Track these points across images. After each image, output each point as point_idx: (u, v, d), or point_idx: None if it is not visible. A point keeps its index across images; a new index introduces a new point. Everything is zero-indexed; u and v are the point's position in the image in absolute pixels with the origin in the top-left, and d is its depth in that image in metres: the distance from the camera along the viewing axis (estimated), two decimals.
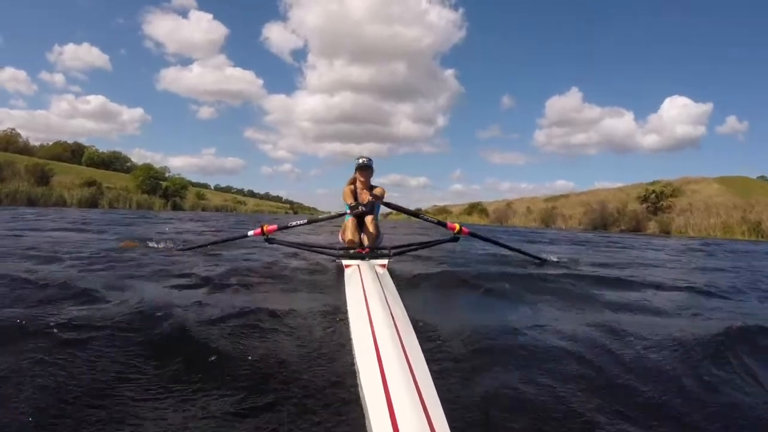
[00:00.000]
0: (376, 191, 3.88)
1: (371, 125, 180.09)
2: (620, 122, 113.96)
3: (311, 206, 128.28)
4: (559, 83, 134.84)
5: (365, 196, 3.76)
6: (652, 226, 27.43)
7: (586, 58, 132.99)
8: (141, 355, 1.62)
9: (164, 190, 46.21)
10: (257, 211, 62.63)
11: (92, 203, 35.04)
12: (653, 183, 54.13)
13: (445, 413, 1.05)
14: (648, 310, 2.82)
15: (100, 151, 71.42)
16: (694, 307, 2.99)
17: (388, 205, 3.88)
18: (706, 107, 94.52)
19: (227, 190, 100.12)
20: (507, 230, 21.62)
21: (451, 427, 1.01)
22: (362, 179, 3.96)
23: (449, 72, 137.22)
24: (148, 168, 46.95)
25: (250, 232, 3.56)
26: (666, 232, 26.16)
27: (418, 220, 4.23)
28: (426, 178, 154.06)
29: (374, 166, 4.06)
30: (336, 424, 1.23)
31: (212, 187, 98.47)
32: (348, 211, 3.67)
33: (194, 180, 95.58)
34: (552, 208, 39.16)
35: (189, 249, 4.72)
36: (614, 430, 1.25)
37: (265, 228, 3.44)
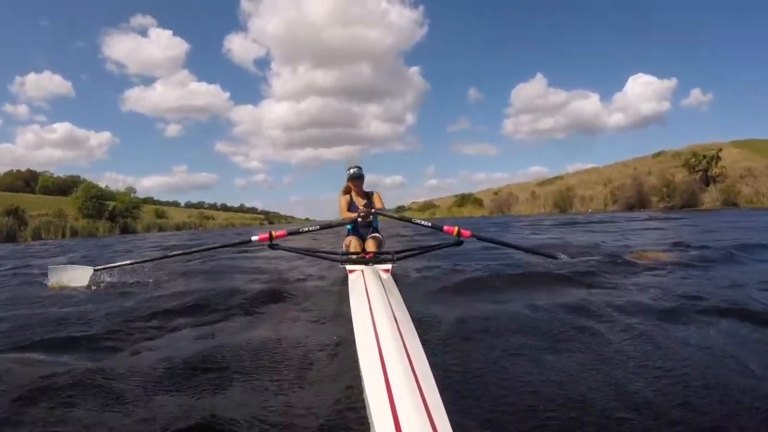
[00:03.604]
0: (374, 198, 4.04)
1: (341, 128, 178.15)
2: (586, 104, 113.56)
3: (288, 215, 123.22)
4: (523, 71, 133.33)
5: (361, 207, 3.94)
6: (710, 198, 21.84)
7: (548, 44, 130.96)
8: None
9: (110, 211, 39.41)
10: (228, 225, 56.39)
11: (9, 237, 28.37)
12: (658, 154, 49.15)
13: (448, 418, 1.03)
14: None
15: (56, 176, 64.87)
16: None
17: (383, 214, 3.97)
18: (670, 83, 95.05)
19: (199, 206, 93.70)
20: (521, 224, 18.63)
21: None
22: (355, 189, 4.02)
23: (414, 70, 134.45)
24: (88, 187, 39.97)
25: (255, 237, 3.41)
26: (733, 203, 20.59)
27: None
28: (401, 177, 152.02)
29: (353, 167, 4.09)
30: (340, 427, 1.25)
31: (182, 204, 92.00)
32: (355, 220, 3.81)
33: (167, 198, 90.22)
34: (567, 190, 33.21)
35: (184, 254, 4.70)
36: None
37: (273, 234, 3.34)
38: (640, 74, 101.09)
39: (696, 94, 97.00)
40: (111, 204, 40.37)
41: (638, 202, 24.18)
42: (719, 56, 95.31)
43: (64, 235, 32.10)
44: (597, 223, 14.91)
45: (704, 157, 25.13)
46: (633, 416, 1.26)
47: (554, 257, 4.04)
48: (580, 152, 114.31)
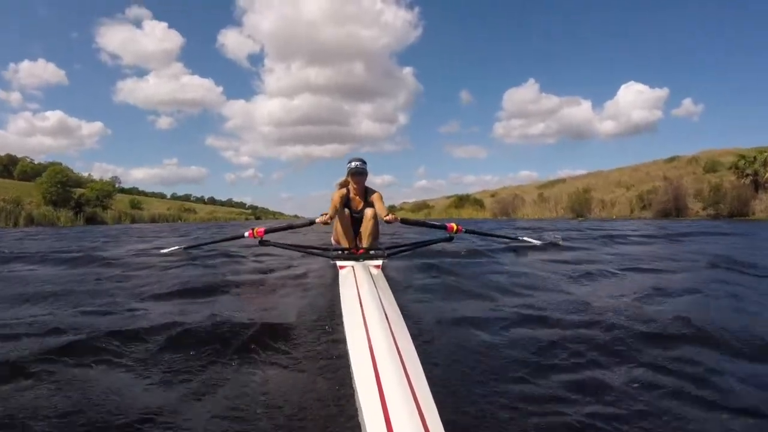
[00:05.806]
0: (374, 197, 3.67)
1: (332, 126, 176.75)
2: (578, 110, 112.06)
3: (277, 211, 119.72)
4: (515, 75, 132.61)
5: (359, 204, 3.73)
6: (763, 207, 18.95)
7: (541, 49, 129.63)
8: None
9: (76, 199, 35.55)
10: (210, 219, 52.70)
11: None
12: (672, 159, 46.56)
13: (439, 413, 1.03)
14: None
15: (36, 162, 60.79)
16: None
17: (405, 221, 3.78)
18: (662, 92, 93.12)
19: (185, 198, 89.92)
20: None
21: (445, 428, 0.98)
22: (355, 186, 3.69)
23: (407, 70, 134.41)
24: (54, 172, 36.02)
25: (246, 233, 3.58)
26: None
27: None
28: (391, 177, 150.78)
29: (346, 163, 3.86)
30: (330, 424, 1.23)
31: (168, 196, 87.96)
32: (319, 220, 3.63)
33: (156, 191, 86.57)
34: (584, 192, 30.15)
35: (190, 248, 5.42)
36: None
37: (255, 231, 3.50)
38: (632, 82, 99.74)
39: (687, 104, 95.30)
40: (77, 191, 36.53)
41: (675, 208, 21.27)
42: (711, 67, 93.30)
43: (16, 224, 28.37)
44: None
45: (755, 159, 22.12)
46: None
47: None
48: (571, 158, 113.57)
